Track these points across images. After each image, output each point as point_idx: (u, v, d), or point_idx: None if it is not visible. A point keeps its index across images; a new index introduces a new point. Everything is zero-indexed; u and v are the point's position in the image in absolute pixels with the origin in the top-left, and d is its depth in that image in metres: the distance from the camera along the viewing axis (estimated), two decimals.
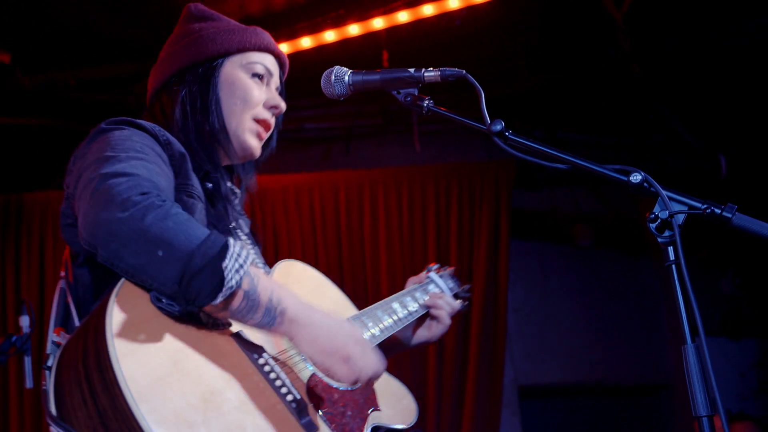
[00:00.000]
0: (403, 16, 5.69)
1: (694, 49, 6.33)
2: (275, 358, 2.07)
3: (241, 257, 1.88)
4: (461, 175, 6.72)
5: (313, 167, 6.86)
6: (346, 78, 2.45)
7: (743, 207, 2.41)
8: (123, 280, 1.88)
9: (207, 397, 1.82)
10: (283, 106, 2.55)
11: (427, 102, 2.41)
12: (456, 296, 3.08)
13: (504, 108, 6.77)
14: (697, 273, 8.03)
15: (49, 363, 1.93)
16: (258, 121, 2.49)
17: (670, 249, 2.15)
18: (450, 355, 6.25)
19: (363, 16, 5.70)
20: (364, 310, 2.60)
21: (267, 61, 2.54)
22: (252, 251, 2.19)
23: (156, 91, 2.51)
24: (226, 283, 1.83)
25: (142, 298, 1.87)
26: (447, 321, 2.90)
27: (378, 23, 5.71)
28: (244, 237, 2.47)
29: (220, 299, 1.84)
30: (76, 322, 2.09)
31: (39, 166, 6.64)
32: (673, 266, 2.14)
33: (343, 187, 6.58)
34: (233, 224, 2.42)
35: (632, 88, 6.71)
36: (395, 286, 6.31)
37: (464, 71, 2.38)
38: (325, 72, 2.46)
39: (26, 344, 3.21)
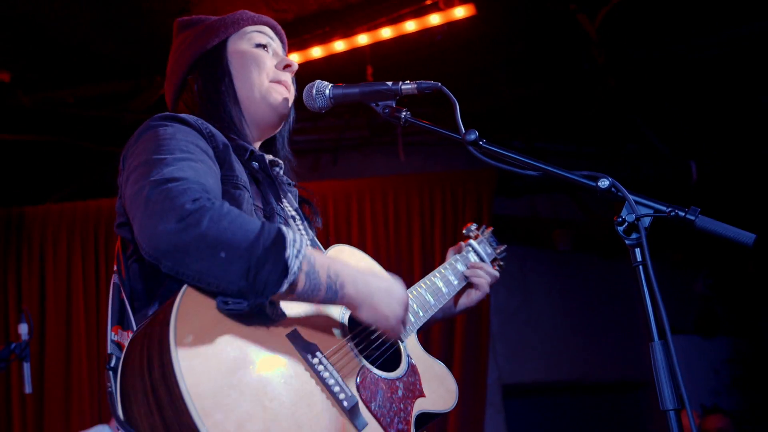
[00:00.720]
0: (386, 32, 5.70)
1: (665, 61, 6.37)
2: (329, 356, 2.07)
3: (297, 242, 1.89)
4: (444, 183, 6.73)
5: (303, 177, 6.84)
6: (327, 91, 2.46)
7: (713, 210, 2.43)
8: (184, 287, 1.87)
9: (266, 404, 1.82)
10: (294, 63, 2.55)
11: (404, 113, 2.42)
12: (494, 260, 3.06)
13: (484, 119, 6.83)
14: (672, 274, 8.08)
15: (112, 364, 1.92)
16: (276, 82, 2.49)
17: (637, 251, 2.17)
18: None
19: (348, 32, 5.72)
20: (410, 289, 2.57)
21: (265, 31, 2.57)
22: (304, 234, 2.16)
23: (175, 98, 2.52)
24: (290, 269, 1.85)
25: (203, 305, 1.86)
26: (486, 289, 2.89)
27: (362, 39, 5.73)
28: (293, 212, 2.45)
29: (285, 286, 1.85)
30: (132, 318, 2.07)
31: (39, 181, 6.64)
32: (640, 267, 2.15)
33: (331, 196, 6.59)
34: (281, 203, 2.39)
35: (606, 99, 6.73)
36: None
37: (439, 84, 2.39)
38: (307, 86, 2.47)
39: (25, 351, 3.20)
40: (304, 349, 2.00)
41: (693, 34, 6.11)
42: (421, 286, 2.62)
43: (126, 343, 1.90)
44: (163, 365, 1.74)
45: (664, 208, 2.19)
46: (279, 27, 2.64)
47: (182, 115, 2.22)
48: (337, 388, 1.99)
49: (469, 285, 2.88)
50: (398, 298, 2.13)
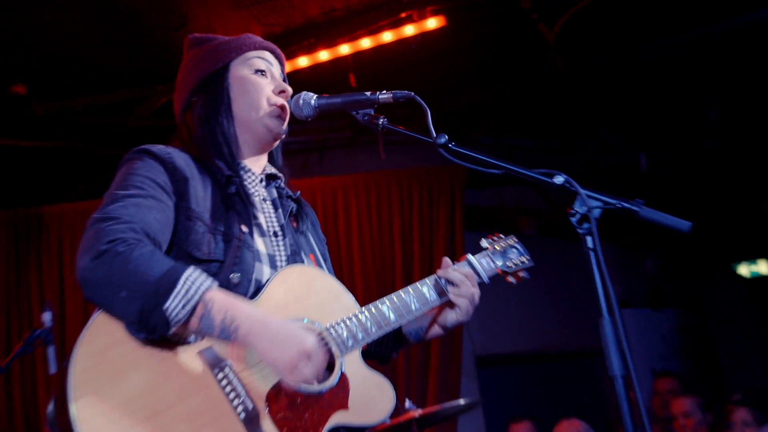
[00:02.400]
0: (366, 43, 5.72)
1: (616, 64, 6.41)
2: (241, 370, 2.02)
3: (191, 290, 1.92)
4: (421, 178, 6.77)
5: (292, 176, 6.85)
6: (312, 102, 2.48)
7: (660, 195, 2.48)
8: (98, 312, 1.94)
9: (151, 416, 1.85)
10: (289, 89, 2.49)
11: (381, 120, 2.45)
12: (507, 272, 2.72)
13: (456, 118, 6.87)
14: (625, 255, 8.17)
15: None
16: (273, 105, 2.45)
17: (589, 239, 2.21)
18: None
19: (331, 43, 5.73)
20: (370, 305, 2.34)
21: (265, 56, 2.52)
22: (205, 280, 2.00)
23: (181, 114, 2.50)
24: (171, 320, 1.89)
25: (116, 324, 1.94)
26: (465, 309, 2.50)
27: (344, 49, 5.74)
28: (276, 228, 2.37)
29: (173, 329, 1.91)
30: None
31: (54, 183, 6.63)
32: (591, 253, 2.20)
33: (319, 192, 6.61)
34: (258, 220, 2.33)
35: (565, 99, 6.78)
36: (368, 277, 6.41)
37: (413, 93, 2.42)
38: (294, 96, 2.50)
39: (49, 336, 3.24)
40: (213, 364, 1.99)
41: (640, 41, 6.16)
42: (385, 303, 2.36)
43: None
44: (64, 416, 1.82)
45: (612, 201, 2.24)
46: (279, 51, 2.60)
47: (153, 148, 2.24)
48: (236, 401, 1.96)
49: (450, 305, 2.49)
50: (294, 345, 2.00)
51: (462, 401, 4.74)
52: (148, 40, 5.38)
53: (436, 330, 2.55)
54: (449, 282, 2.48)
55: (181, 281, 1.92)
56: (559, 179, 2.27)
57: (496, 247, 2.73)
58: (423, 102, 2.36)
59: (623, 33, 6.08)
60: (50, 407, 1.87)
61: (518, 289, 7.56)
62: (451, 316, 2.50)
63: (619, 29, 6.04)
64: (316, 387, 2.08)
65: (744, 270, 9.02)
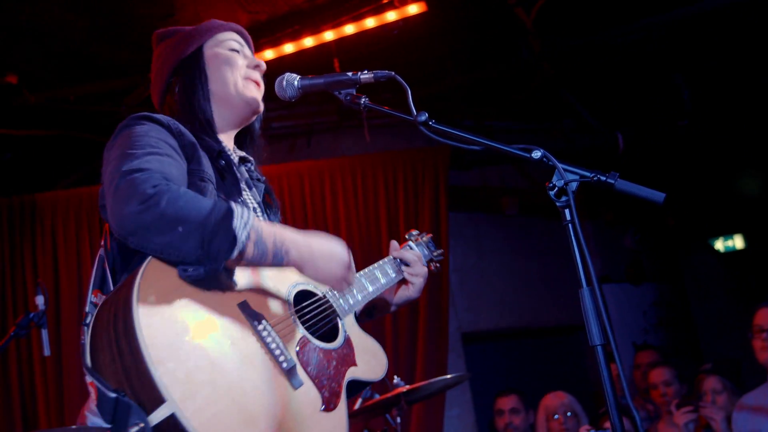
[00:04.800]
0: (349, 29, 5.69)
1: (592, 46, 6.42)
2: (273, 324, 2.11)
3: (245, 216, 1.95)
4: (406, 160, 6.76)
5: (280, 159, 6.86)
6: (296, 83, 2.48)
7: (637, 173, 2.47)
8: (149, 258, 1.93)
9: (213, 360, 1.87)
10: (263, 63, 2.57)
11: (363, 99, 2.46)
12: (431, 260, 2.97)
13: (438, 102, 6.86)
14: (604, 232, 8.19)
15: (87, 321, 1.99)
16: (248, 79, 2.51)
17: (566, 211, 2.22)
18: (403, 311, 6.32)
19: (315, 30, 5.70)
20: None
21: (235, 37, 2.58)
22: (251, 210, 2.17)
23: (161, 100, 2.53)
24: (238, 238, 1.91)
25: (165, 272, 1.93)
26: (419, 286, 2.75)
27: (328, 35, 5.72)
28: (254, 205, 2.46)
29: (236, 253, 1.92)
30: (111, 286, 2.13)
31: (47, 170, 6.59)
32: (569, 225, 2.20)
33: (306, 175, 6.59)
34: (243, 196, 2.41)
35: (544, 81, 6.78)
36: (355, 258, 6.38)
37: (393, 72, 2.42)
38: (278, 78, 2.49)
39: (42, 319, 3.21)
40: (252, 317, 2.05)
41: (615, 23, 6.16)
42: (363, 276, 2.61)
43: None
44: (125, 320, 1.80)
45: (588, 174, 2.24)
46: (246, 33, 2.65)
47: (155, 114, 2.27)
48: (278, 351, 2.04)
49: (405, 282, 2.77)
50: (338, 260, 2.18)
51: (449, 376, 4.75)
52: (137, 30, 5.34)
53: (389, 307, 2.78)
54: (403, 262, 2.75)
55: (235, 207, 1.96)
56: (536, 153, 2.28)
57: (420, 239, 2.97)
58: (403, 81, 2.37)
59: (599, 15, 6.09)
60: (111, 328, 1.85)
61: (503, 267, 7.63)
62: (404, 293, 2.75)
63: (595, 12, 6.04)
64: (331, 345, 2.28)
65: (719, 245, 9.07)
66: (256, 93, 2.52)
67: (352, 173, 6.64)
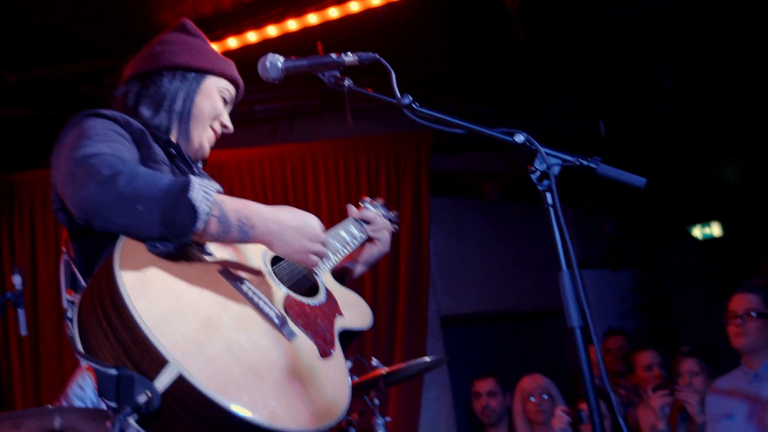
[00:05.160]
0: (333, 12, 5.65)
1: (576, 33, 6.42)
2: (256, 285, 2.13)
3: (205, 189, 1.94)
4: (388, 144, 6.75)
5: (262, 142, 6.83)
6: (279, 64, 2.47)
7: (619, 160, 2.48)
8: (122, 238, 1.93)
9: (207, 322, 1.88)
10: (231, 128, 2.62)
11: (347, 81, 2.45)
12: (389, 221, 3.02)
13: (421, 86, 6.83)
14: (584, 217, 8.23)
15: (69, 315, 1.97)
16: (213, 129, 2.56)
17: (548, 195, 2.23)
18: (383, 293, 6.32)
19: (299, 13, 5.66)
20: None
21: (232, 90, 2.62)
22: (213, 184, 2.15)
23: (136, 76, 2.50)
24: (199, 212, 1.90)
25: (140, 249, 1.93)
26: (387, 240, 2.85)
27: (312, 19, 5.67)
28: None
29: (199, 226, 1.91)
30: (83, 283, 2.12)
31: (26, 151, 6.52)
32: (551, 209, 2.22)
33: (288, 159, 6.56)
34: None
35: (527, 67, 6.78)
36: None
37: (377, 54, 2.42)
38: (261, 59, 2.47)
39: (20, 299, 3.18)
40: (235, 280, 2.07)
41: (599, 10, 6.17)
42: (329, 234, 2.63)
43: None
44: (112, 296, 1.80)
45: (570, 158, 2.25)
46: (242, 87, 2.67)
47: (102, 110, 2.27)
48: (266, 309, 2.07)
49: (370, 240, 2.86)
50: (309, 234, 2.15)
51: (428, 359, 4.77)
52: (117, 9, 5.28)
53: (362, 267, 2.86)
54: (364, 221, 2.84)
55: (193, 180, 1.94)
56: (519, 138, 2.29)
57: (375, 203, 3.05)
58: (387, 64, 2.36)
59: (584, 2, 6.08)
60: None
61: (483, 252, 7.65)
62: (373, 250, 2.85)
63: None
64: (315, 299, 2.32)
65: (697, 232, 9.14)
66: (209, 147, 2.57)
67: (334, 157, 6.62)
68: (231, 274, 2.09)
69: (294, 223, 2.13)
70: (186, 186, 1.91)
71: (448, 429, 6.90)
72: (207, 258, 2.08)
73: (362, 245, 2.85)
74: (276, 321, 2.06)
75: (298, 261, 2.19)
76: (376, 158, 6.69)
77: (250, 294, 2.07)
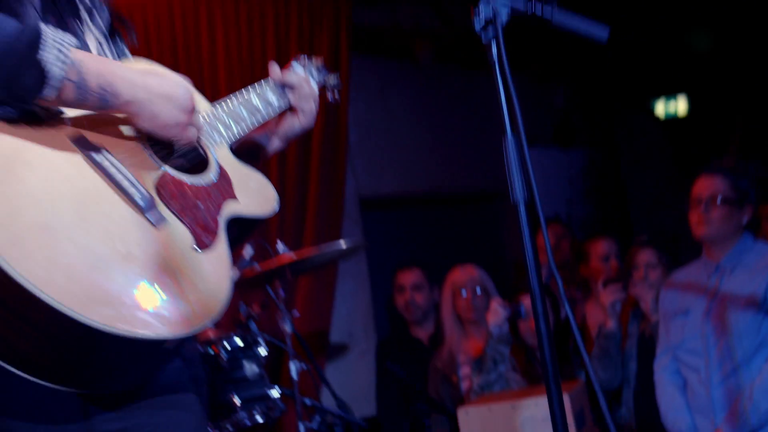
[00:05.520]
0: None
1: None
2: (122, 159, 2.03)
3: (57, 44, 1.82)
4: None
5: None
6: None
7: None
8: None
9: (43, 199, 1.79)
10: None
11: None
12: (323, 87, 2.90)
13: None
14: (531, 86, 8.29)
15: None
16: None
17: (493, 46, 2.21)
18: (292, 168, 6.26)
19: None
20: (219, 101, 2.49)
21: None
22: (66, 35, 1.94)
23: None
24: (49, 75, 1.80)
25: None
26: (312, 112, 2.70)
27: None
28: (99, 36, 2.32)
29: (49, 93, 1.82)
30: None
31: None
32: (496, 63, 2.20)
33: (177, 5, 6.29)
34: (81, 25, 2.26)
35: None
36: None
37: None
38: None
39: None
40: (91, 151, 1.98)
41: None
42: (233, 100, 2.53)
43: None
44: None
45: (520, 6, 2.24)
46: None
47: None
48: (129, 187, 1.98)
49: (292, 110, 2.71)
50: (181, 105, 2.09)
51: (343, 243, 4.81)
52: None
53: (279, 143, 2.75)
54: (287, 86, 2.68)
55: (45, 33, 1.82)
56: None
57: (309, 63, 2.91)
58: None
59: None
60: None
61: (412, 123, 7.66)
62: (294, 123, 2.71)
63: None
64: (200, 178, 2.22)
65: (660, 108, 9.33)
66: None
67: (235, 2, 6.40)
68: (87, 142, 1.98)
69: (165, 89, 2.06)
70: (36, 41, 1.78)
71: (366, 326, 7.04)
72: (59, 122, 1.98)
73: (282, 116, 2.72)
74: (140, 203, 1.97)
75: (171, 137, 2.12)
76: (285, 6, 6.50)
77: (111, 169, 1.97)
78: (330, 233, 6.22)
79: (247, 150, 2.68)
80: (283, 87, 2.68)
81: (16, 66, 1.76)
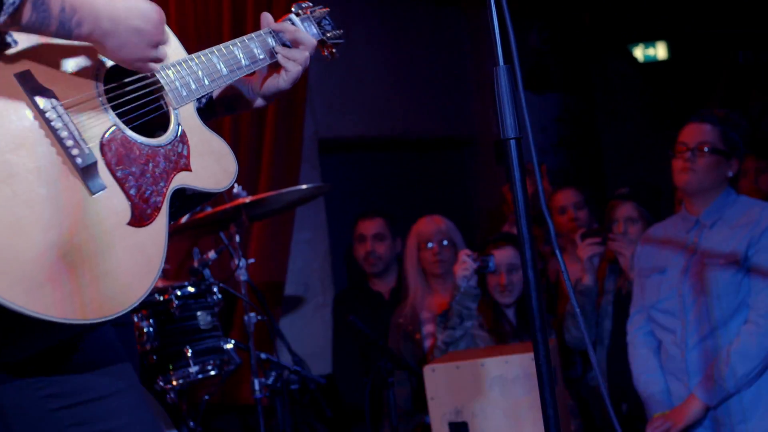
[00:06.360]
0: None
1: None
2: (68, 106, 1.98)
3: None
4: None
5: None
6: None
7: None
8: None
9: None
10: None
11: None
12: (323, 43, 2.82)
13: None
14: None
15: None
16: None
17: None
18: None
19: None
20: (199, 53, 2.41)
21: None
22: None
23: None
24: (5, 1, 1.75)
25: None
26: (295, 74, 2.59)
27: None
28: None
29: (4, 17, 1.77)
30: None
31: None
32: None
33: None
34: None
35: None
36: (187, 35, 6.12)
37: None
38: None
39: None
40: (35, 92, 1.92)
41: None
42: (214, 53, 2.45)
43: None
44: None
45: None
46: None
47: None
48: (70, 142, 1.93)
49: (277, 66, 2.62)
50: (149, 40, 2.07)
51: (304, 187, 4.76)
52: None
53: (260, 101, 2.68)
54: (281, 42, 2.59)
55: None
56: None
57: (309, 13, 2.80)
58: None
59: None
60: None
61: (376, 59, 7.58)
62: (272, 83, 2.62)
63: None
64: (155, 140, 2.17)
65: (639, 53, 9.33)
66: None
67: None
68: (34, 82, 1.93)
69: (134, 21, 2.02)
70: None
71: (323, 277, 7.01)
72: (6, 52, 1.91)
73: (269, 70, 2.62)
74: (79, 162, 1.92)
75: (132, 68, 2.11)
76: None
77: (52, 116, 1.91)
78: (287, 177, 6.16)
79: (222, 102, 2.66)
80: (274, 41, 2.59)
81: None
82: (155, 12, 2.09)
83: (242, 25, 6.10)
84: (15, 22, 1.81)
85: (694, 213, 4.49)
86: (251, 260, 4.55)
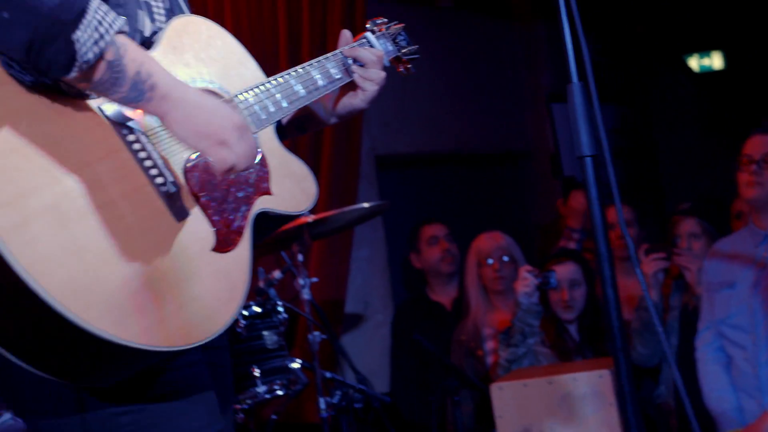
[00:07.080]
0: None
1: None
2: (151, 135, 1.98)
3: (104, 25, 1.77)
4: None
5: None
6: None
7: None
8: None
9: (57, 178, 1.75)
10: None
11: None
12: (397, 60, 2.83)
13: None
14: (559, 39, 8.19)
15: None
16: None
17: None
18: None
19: None
20: (275, 75, 2.40)
21: None
22: (117, 17, 1.87)
23: None
24: (79, 57, 1.73)
25: None
26: (371, 93, 2.60)
27: None
28: (162, 11, 2.25)
29: (75, 73, 1.76)
30: None
31: None
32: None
33: None
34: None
35: None
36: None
37: None
38: None
39: None
40: (118, 122, 1.92)
41: None
42: (291, 75, 2.43)
43: None
44: None
45: None
46: None
47: None
48: (154, 171, 1.93)
49: (353, 87, 2.61)
50: (228, 121, 1.99)
51: (366, 205, 4.75)
52: None
53: (327, 118, 2.68)
54: (356, 61, 2.59)
55: (92, 8, 1.75)
56: None
57: (384, 30, 2.82)
58: None
59: None
60: None
61: (431, 76, 7.57)
62: (348, 102, 2.63)
63: None
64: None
65: (695, 63, 9.24)
66: None
67: None
68: (121, 112, 1.93)
69: (210, 103, 1.99)
70: (79, 16, 1.73)
71: (383, 294, 7.01)
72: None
73: (342, 90, 2.62)
74: (164, 191, 1.93)
75: (197, 148, 1.99)
76: None
77: (138, 146, 1.92)
78: (346, 195, 6.18)
79: (295, 122, 2.64)
80: (351, 61, 2.58)
81: (46, 35, 1.71)
82: (238, 121, 2.02)
83: (298, 24, 6.17)
84: (86, 78, 1.80)
85: (762, 227, 4.43)
86: (314, 279, 4.54)
